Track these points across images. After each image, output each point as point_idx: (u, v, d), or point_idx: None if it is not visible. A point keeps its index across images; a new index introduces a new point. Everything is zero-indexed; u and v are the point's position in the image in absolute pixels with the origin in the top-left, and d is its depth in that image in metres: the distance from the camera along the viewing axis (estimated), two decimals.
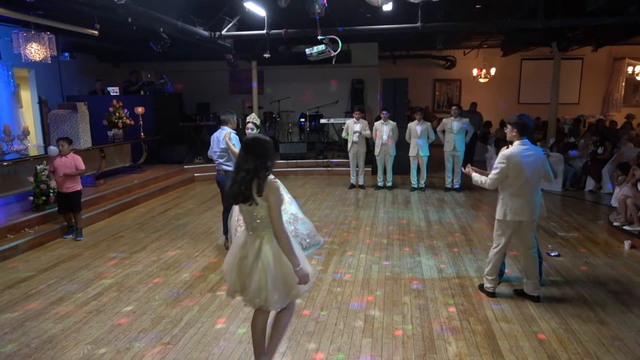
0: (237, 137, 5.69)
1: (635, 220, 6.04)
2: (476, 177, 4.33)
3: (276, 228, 2.81)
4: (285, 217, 5.36)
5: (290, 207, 5.56)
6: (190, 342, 3.66)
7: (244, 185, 2.79)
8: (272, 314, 3.10)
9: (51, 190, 6.46)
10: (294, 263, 2.82)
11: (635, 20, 7.71)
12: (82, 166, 6.33)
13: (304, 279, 2.84)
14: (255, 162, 2.80)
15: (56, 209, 6.43)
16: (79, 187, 6.34)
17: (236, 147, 5.57)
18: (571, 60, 14.65)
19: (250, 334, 3.15)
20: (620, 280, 4.81)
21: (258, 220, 2.85)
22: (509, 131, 4.18)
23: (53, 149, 6.37)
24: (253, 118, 5.64)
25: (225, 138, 5.58)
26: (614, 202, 7.15)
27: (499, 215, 4.26)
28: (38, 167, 6.49)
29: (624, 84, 15.37)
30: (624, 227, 6.09)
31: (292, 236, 4.79)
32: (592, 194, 8.89)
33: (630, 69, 14.85)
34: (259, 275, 2.84)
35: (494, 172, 4.16)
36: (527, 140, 4.12)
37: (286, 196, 5.55)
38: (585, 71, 15.62)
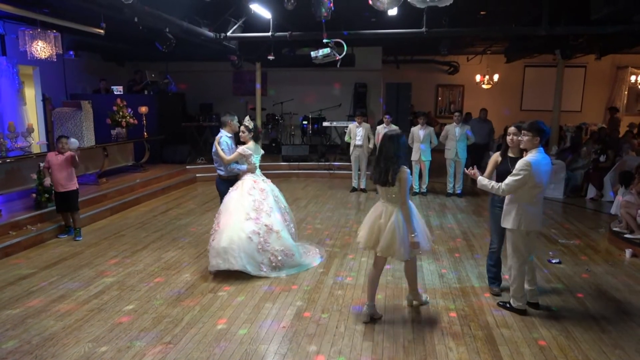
0: (228, 142, 5.45)
1: (634, 228, 6.04)
2: (484, 181, 4.10)
3: (402, 202, 3.86)
4: (254, 227, 4.95)
5: (266, 218, 5.08)
6: (191, 342, 3.67)
7: (383, 173, 3.84)
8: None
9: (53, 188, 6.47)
10: (409, 230, 3.85)
11: (639, 29, 7.73)
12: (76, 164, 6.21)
13: (413, 245, 3.85)
14: (391, 155, 3.83)
15: None
16: (75, 186, 6.26)
17: (225, 152, 5.34)
18: (574, 68, 14.68)
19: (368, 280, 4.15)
20: (621, 289, 4.81)
21: (393, 195, 3.87)
22: (530, 139, 3.95)
23: (74, 142, 6.36)
24: (246, 121, 5.40)
25: (215, 141, 5.44)
26: (615, 210, 7.15)
27: (512, 224, 4.02)
28: (41, 165, 6.50)
29: (626, 92, 15.38)
30: (625, 236, 6.09)
31: (257, 250, 4.97)
32: (594, 202, 8.89)
33: (633, 78, 14.87)
34: (390, 234, 3.81)
35: (513, 178, 3.89)
36: (541, 147, 4.01)
37: (266, 204, 5.17)
38: (588, 79, 15.64)
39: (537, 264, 5.46)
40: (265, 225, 5.03)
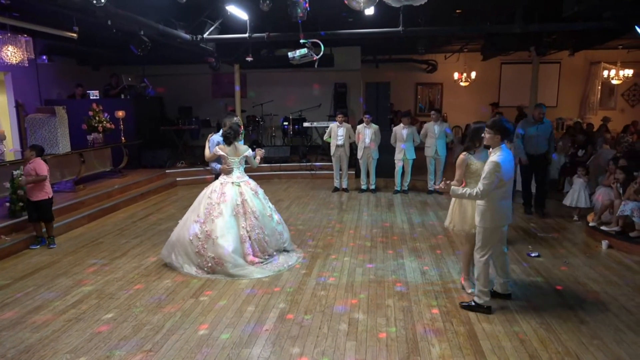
0: (216, 141, 5.66)
1: (613, 220, 6.16)
2: (459, 190, 4.07)
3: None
4: (197, 230, 5.08)
5: (209, 224, 5.09)
6: (172, 349, 3.61)
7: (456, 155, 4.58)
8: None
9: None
10: (466, 196, 4.09)
11: (609, 25, 7.91)
12: (41, 172, 5.95)
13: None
14: (465, 141, 4.53)
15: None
16: (46, 195, 6.01)
17: (210, 150, 5.60)
18: (549, 64, 14.97)
19: None
20: (599, 280, 4.91)
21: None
22: (491, 136, 3.99)
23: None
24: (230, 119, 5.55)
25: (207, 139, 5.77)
26: (575, 202, 7.27)
27: (485, 223, 4.04)
28: (14, 173, 6.32)
29: (600, 87, 15.76)
30: (602, 228, 6.21)
31: (195, 253, 5.15)
32: None
33: (605, 73, 15.23)
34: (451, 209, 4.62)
35: (487, 182, 3.88)
36: (504, 144, 4.04)
37: (217, 209, 5.12)
38: (562, 75, 15.98)
39: (517, 257, 5.55)
40: (206, 231, 5.11)
